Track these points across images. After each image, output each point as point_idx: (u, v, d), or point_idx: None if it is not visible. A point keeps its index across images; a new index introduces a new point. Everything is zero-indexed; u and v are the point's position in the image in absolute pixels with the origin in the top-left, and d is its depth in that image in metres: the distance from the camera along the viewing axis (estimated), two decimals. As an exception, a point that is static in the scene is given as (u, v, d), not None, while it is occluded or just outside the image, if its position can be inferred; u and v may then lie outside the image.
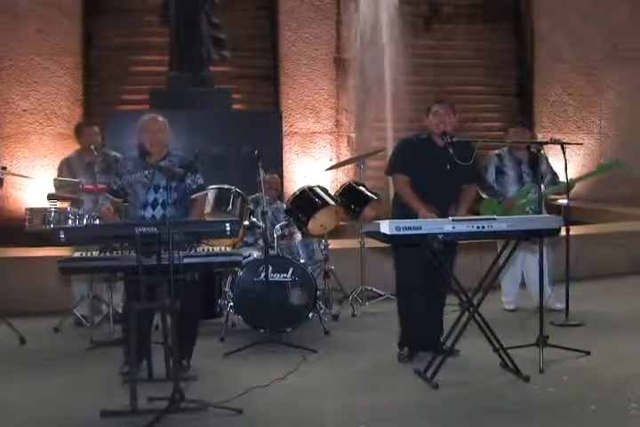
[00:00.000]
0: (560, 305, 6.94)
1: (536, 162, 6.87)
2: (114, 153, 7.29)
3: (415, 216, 5.45)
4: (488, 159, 7.21)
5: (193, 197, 5.61)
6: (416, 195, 5.65)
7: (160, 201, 5.50)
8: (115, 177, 5.69)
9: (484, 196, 7.11)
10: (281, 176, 10.30)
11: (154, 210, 5.50)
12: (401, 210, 5.70)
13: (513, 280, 7.39)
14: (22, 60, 12.32)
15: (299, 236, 7.09)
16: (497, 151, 7.29)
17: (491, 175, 7.14)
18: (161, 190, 5.48)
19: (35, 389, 5.25)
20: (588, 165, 12.95)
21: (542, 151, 6.69)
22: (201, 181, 5.65)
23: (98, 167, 7.05)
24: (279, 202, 7.55)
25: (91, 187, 6.72)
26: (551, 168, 7.22)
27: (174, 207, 5.51)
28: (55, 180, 7.19)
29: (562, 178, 6.98)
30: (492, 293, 5.56)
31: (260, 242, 6.91)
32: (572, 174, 6.97)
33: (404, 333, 5.80)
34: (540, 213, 6.30)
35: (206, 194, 5.94)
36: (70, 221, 6.32)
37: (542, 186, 6.94)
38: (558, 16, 13.72)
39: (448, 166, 5.68)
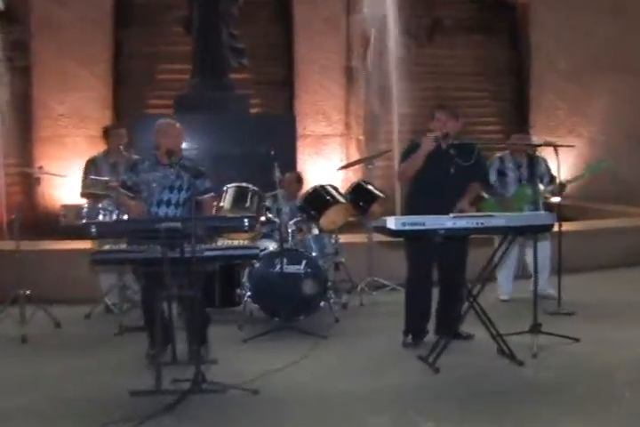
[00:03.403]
0: (552, 291, 7.02)
1: (536, 164, 6.93)
2: (135, 156, 7.20)
3: (424, 212, 5.38)
4: (491, 161, 7.14)
5: (200, 198, 5.55)
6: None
7: (174, 201, 5.52)
8: (131, 174, 5.62)
9: (486, 195, 7.06)
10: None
11: (167, 208, 5.51)
12: (410, 211, 5.67)
13: (507, 273, 7.34)
14: (59, 68, 12.32)
15: (315, 231, 7.06)
16: (499, 154, 7.25)
17: (492, 176, 7.04)
18: (175, 191, 5.51)
19: (67, 369, 5.28)
20: (578, 166, 12.87)
21: (540, 154, 6.70)
22: (208, 184, 5.64)
23: (122, 168, 7.00)
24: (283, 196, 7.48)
25: (117, 184, 6.70)
26: (549, 170, 7.14)
27: (185, 207, 5.50)
28: (87, 179, 7.17)
29: (557, 180, 6.97)
30: (489, 284, 5.54)
31: (275, 234, 6.91)
32: (563, 174, 6.95)
33: (409, 321, 5.79)
34: (537, 211, 6.28)
35: (213, 196, 5.88)
36: (101, 217, 6.32)
37: (541, 186, 6.95)
38: (551, 29, 13.68)
39: (452, 168, 5.64)
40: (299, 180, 7.66)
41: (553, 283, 6.96)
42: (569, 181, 6.94)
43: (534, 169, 6.90)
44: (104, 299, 6.92)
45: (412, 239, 5.43)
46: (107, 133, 7.42)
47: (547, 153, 7.01)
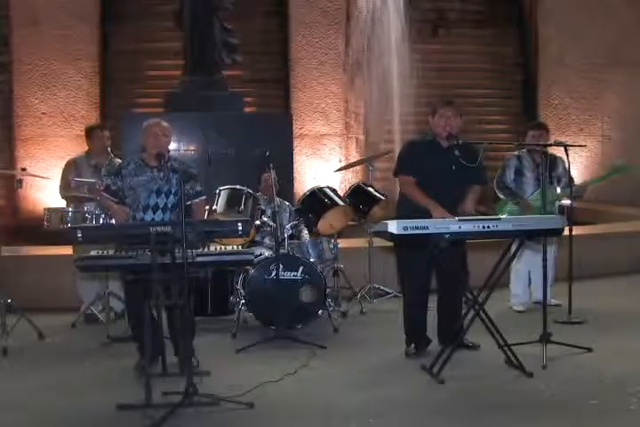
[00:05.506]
0: (555, 301, 7.02)
1: (554, 165, 6.89)
2: (118, 160, 7.16)
3: (422, 215, 5.41)
4: (508, 160, 7.08)
5: (190, 202, 5.55)
6: (424, 193, 5.63)
7: (161, 205, 5.50)
8: (115, 178, 5.58)
9: (502, 196, 7.01)
10: (291, 177, 10.30)
11: (154, 213, 5.49)
12: (407, 210, 5.66)
13: (521, 282, 7.25)
14: (41, 64, 12.34)
15: (306, 234, 7.07)
16: (517, 153, 7.14)
17: (509, 176, 7.02)
18: (163, 195, 5.49)
19: (52, 382, 5.27)
20: (591, 167, 12.91)
21: (558, 154, 6.67)
22: (199, 187, 5.64)
23: (105, 170, 6.97)
24: (279, 200, 7.43)
25: (101, 189, 6.69)
26: (568, 172, 6.92)
27: (174, 212, 5.47)
28: (66, 181, 7.15)
29: (577, 181, 6.90)
30: (499, 291, 5.55)
31: (267, 240, 6.93)
32: (575, 176, 6.93)
33: (409, 330, 5.80)
34: (553, 213, 6.25)
35: (204, 201, 5.86)
36: (87, 221, 6.33)
37: (558, 189, 6.90)
38: (561, 20, 13.66)
39: (453, 167, 5.66)
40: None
41: (560, 292, 6.87)
42: (592, 182, 6.85)
43: (552, 170, 6.83)
44: (85, 308, 6.91)
45: (410, 245, 5.41)
46: (89, 134, 7.37)
47: (558, 153, 6.99)
